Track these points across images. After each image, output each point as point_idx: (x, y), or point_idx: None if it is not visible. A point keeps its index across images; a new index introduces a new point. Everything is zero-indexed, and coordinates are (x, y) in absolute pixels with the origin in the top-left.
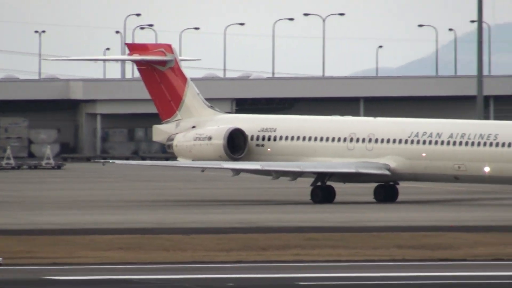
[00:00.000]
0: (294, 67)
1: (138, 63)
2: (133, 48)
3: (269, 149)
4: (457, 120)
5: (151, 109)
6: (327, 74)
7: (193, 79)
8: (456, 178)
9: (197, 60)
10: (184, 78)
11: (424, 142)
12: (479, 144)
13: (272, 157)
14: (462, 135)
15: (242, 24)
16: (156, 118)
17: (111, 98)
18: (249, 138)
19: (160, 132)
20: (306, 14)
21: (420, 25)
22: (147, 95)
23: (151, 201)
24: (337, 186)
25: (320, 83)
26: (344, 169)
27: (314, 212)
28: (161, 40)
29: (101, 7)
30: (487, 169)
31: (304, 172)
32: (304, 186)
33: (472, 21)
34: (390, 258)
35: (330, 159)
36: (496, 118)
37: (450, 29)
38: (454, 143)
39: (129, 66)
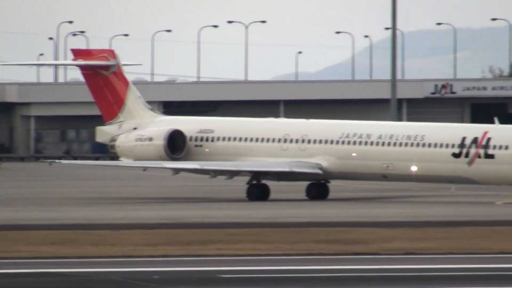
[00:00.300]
0: (219, 72)
1: (82, 68)
2: (78, 53)
3: (207, 150)
4: (386, 122)
5: (82, 111)
6: (249, 78)
7: None
8: (384, 177)
9: (138, 65)
10: (126, 82)
11: (354, 143)
12: (406, 144)
13: (210, 157)
14: (391, 136)
15: (169, 31)
16: (87, 120)
17: (45, 101)
18: (188, 139)
19: (103, 133)
20: (230, 22)
21: (338, 32)
22: (78, 98)
23: (83, 199)
24: (272, 184)
25: (243, 87)
26: (278, 168)
27: (239, 209)
28: (93, 46)
29: (34, 14)
30: (414, 168)
31: (240, 171)
32: (241, 184)
33: (387, 28)
34: (308, 252)
35: (265, 159)
36: (409, 119)
37: (366, 36)
38: (383, 144)
39: (61, 71)
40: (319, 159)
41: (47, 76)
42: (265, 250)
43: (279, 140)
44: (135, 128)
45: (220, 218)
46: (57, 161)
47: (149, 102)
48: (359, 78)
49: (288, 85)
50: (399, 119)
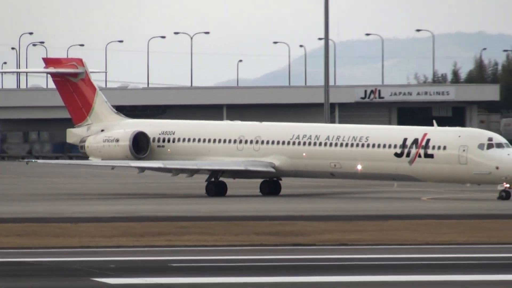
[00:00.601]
0: (166, 79)
1: (53, 75)
2: (49, 62)
3: (169, 150)
4: (334, 124)
5: (43, 115)
6: (194, 84)
7: None
8: (332, 175)
9: (103, 72)
10: (93, 88)
11: (304, 144)
12: (352, 145)
13: (172, 157)
14: (338, 137)
15: (121, 41)
16: (47, 123)
17: (9, 105)
18: (151, 140)
19: (73, 134)
20: (176, 33)
21: (275, 42)
22: (39, 103)
23: (45, 195)
24: (229, 181)
25: (189, 92)
26: (234, 167)
27: (191, 204)
28: (51, 55)
29: None
30: (359, 167)
31: (200, 170)
32: (201, 181)
33: (320, 39)
34: (250, 243)
35: (222, 158)
36: (341, 122)
37: (301, 46)
38: (331, 144)
39: (23, 78)
40: (271, 158)
41: (10, 82)
42: (211, 241)
43: (235, 141)
44: (102, 130)
45: (171, 212)
46: (33, 160)
47: None
48: (294, 84)
49: (230, 90)
50: (332, 121)
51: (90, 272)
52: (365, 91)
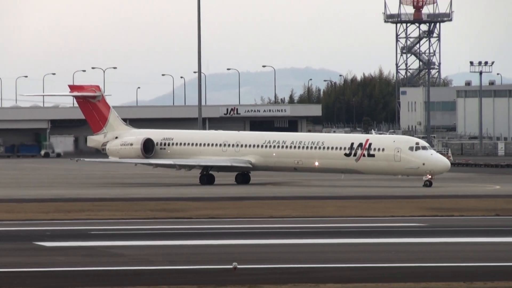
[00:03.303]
0: None
1: (77, 97)
2: (73, 88)
3: (168, 151)
4: (297, 133)
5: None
6: None
7: None
8: (295, 169)
9: (109, 95)
10: (108, 107)
11: (274, 147)
12: (311, 148)
13: (171, 156)
14: (300, 142)
15: (54, 74)
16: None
17: None
18: (155, 144)
19: (92, 140)
20: (93, 68)
21: (163, 74)
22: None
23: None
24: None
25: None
26: (223, 163)
27: (107, 188)
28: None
29: None
30: (316, 163)
31: (197, 166)
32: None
33: (195, 72)
34: (145, 217)
35: (210, 157)
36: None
37: (181, 77)
38: (295, 147)
39: None
40: (249, 157)
41: None
42: (119, 216)
43: (220, 145)
44: (116, 137)
45: (90, 195)
46: (81, 159)
47: (39, 121)
48: (177, 104)
49: (132, 109)
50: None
51: (33, 238)
52: (227, 109)
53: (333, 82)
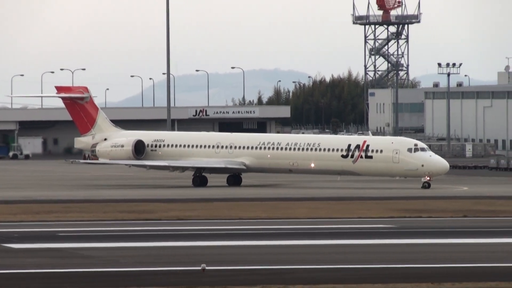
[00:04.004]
0: (55, 102)
1: (64, 98)
2: (60, 89)
3: (160, 153)
4: (292, 134)
5: None
6: None
7: None
8: (290, 171)
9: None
10: (96, 108)
11: (269, 148)
12: (307, 149)
13: (162, 157)
14: (295, 144)
15: (22, 75)
16: None
17: None
18: (146, 145)
19: (80, 142)
20: (62, 69)
21: (132, 76)
22: None
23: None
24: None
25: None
26: (217, 165)
27: (75, 190)
28: None
29: None
30: (312, 165)
31: (191, 167)
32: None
33: (163, 73)
34: (114, 218)
35: (203, 159)
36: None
37: (150, 78)
38: (290, 149)
39: None
40: (243, 159)
41: None
42: (87, 217)
43: (213, 146)
44: (105, 139)
45: (61, 197)
46: (76, 160)
47: (8, 122)
48: (146, 106)
49: (103, 110)
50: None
51: (0, 240)
52: (196, 111)
53: (301, 84)
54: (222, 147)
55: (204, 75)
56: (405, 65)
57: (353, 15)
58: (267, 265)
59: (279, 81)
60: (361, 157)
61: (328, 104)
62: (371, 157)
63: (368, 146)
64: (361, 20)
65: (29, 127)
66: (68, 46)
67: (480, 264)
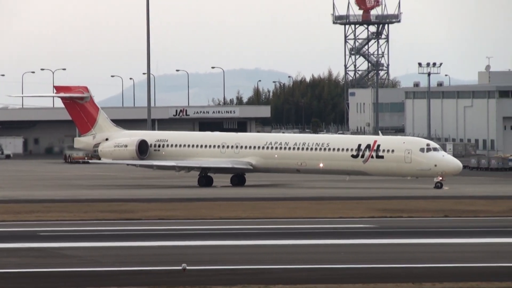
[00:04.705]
0: (37, 102)
1: (63, 98)
2: (59, 89)
3: (163, 152)
4: (300, 134)
5: None
6: (56, 106)
7: None
8: (298, 171)
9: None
10: (96, 108)
11: (276, 148)
12: (315, 149)
13: (165, 157)
14: (303, 143)
15: (3, 75)
16: None
17: None
18: (149, 145)
19: (80, 142)
20: (42, 69)
21: (112, 76)
22: None
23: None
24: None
25: (52, 111)
26: (224, 165)
27: (58, 190)
28: None
29: None
30: (321, 164)
31: (197, 167)
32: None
33: (144, 73)
34: (95, 218)
35: (209, 159)
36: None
37: (131, 78)
38: (298, 149)
39: None
40: (249, 159)
41: None
42: (68, 217)
43: (218, 146)
44: (107, 139)
45: (40, 197)
46: (89, 161)
47: None
48: (127, 106)
49: None
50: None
51: None
52: (176, 110)
53: (282, 84)
54: (228, 146)
55: (184, 75)
56: (385, 64)
57: (333, 14)
58: (247, 265)
59: (259, 81)
60: (372, 157)
61: (309, 104)
62: (382, 157)
63: (379, 146)
64: (341, 20)
65: (10, 127)
66: (49, 47)
67: (460, 264)
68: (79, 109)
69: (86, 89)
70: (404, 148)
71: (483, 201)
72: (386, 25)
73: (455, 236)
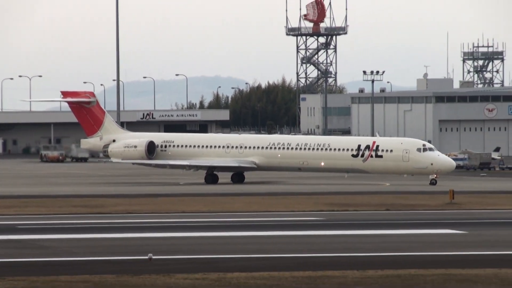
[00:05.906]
0: (15, 106)
1: (70, 103)
2: (66, 94)
3: (170, 153)
4: (303, 135)
5: None
6: (33, 109)
7: None
8: (299, 169)
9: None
10: (103, 111)
11: (279, 148)
12: (317, 149)
13: (172, 157)
14: (305, 144)
15: None
16: None
17: None
18: (156, 146)
19: (87, 143)
20: (20, 76)
21: (85, 82)
22: None
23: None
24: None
25: (29, 114)
26: (230, 164)
27: (34, 187)
28: None
29: None
30: (322, 163)
31: (204, 166)
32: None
33: (114, 80)
34: (69, 212)
35: (213, 159)
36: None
37: (101, 84)
38: (300, 149)
39: None
40: (253, 158)
41: None
42: (44, 211)
43: (223, 146)
44: (114, 140)
45: (18, 193)
46: (109, 160)
47: None
48: None
49: (56, 114)
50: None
51: None
52: (143, 114)
53: (240, 89)
54: (232, 147)
55: (151, 81)
56: (333, 72)
57: (286, 27)
58: (208, 255)
59: (219, 87)
60: (371, 156)
61: (264, 108)
62: (381, 156)
63: (378, 146)
64: (293, 31)
65: None
66: (25, 54)
67: (400, 253)
68: (86, 112)
69: (92, 94)
70: (403, 148)
71: (420, 196)
72: (334, 37)
73: (395, 227)
